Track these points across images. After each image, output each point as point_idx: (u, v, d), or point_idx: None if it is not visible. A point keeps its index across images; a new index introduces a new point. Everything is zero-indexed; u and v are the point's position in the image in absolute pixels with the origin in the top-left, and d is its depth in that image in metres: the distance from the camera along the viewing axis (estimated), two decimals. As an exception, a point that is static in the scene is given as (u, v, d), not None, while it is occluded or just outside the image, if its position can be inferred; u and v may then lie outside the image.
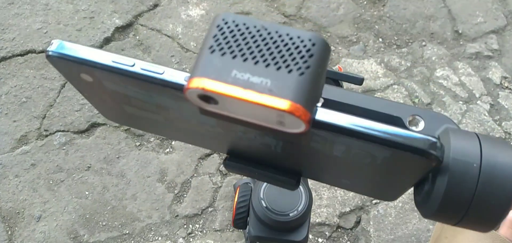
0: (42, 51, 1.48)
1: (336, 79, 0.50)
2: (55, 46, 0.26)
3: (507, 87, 1.48)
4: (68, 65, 0.27)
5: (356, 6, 1.65)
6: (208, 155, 1.34)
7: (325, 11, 1.63)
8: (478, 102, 1.44)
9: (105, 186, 1.28)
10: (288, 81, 0.21)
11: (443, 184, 0.25)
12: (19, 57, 1.46)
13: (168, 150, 1.35)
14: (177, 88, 0.25)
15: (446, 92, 1.46)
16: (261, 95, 0.21)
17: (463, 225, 0.27)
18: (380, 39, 1.57)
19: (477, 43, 1.57)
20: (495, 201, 0.25)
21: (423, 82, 1.48)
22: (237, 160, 0.34)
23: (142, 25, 1.56)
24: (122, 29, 1.55)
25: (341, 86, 0.50)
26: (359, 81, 0.48)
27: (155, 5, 1.61)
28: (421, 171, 0.26)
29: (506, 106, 1.44)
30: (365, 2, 1.66)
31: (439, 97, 1.45)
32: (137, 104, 0.30)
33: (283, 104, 0.20)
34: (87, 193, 1.27)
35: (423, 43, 1.57)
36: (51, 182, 1.28)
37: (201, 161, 1.33)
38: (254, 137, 0.29)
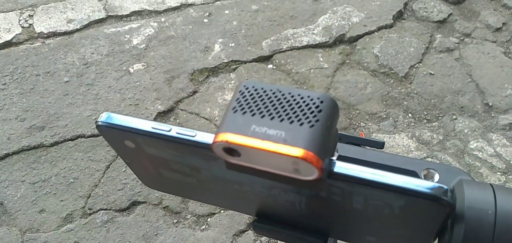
0: (91, 136, 1.60)
1: (358, 144, 0.53)
2: (104, 117, 0.31)
3: (546, 157, 1.45)
4: (114, 133, 0.31)
5: (383, 84, 1.71)
6: (243, 231, 1.36)
7: (352, 90, 1.69)
8: (517, 172, 1.41)
9: (143, 262, 1.31)
10: (300, 132, 0.25)
11: (460, 232, 0.27)
12: (70, 141, 1.59)
13: (204, 227, 1.38)
14: (207, 147, 0.28)
15: (482, 164, 1.44)
16: (277, 145, 0.24)
17: None
18: (410, 115, 1.61)
19: (509, 114, 1.57)
20: None
21: (457, 154, 1.48)
22: (265, 222, 0.36)
23: (182, 109, 1.68)
24: (164, 114, 1.67)
25: None
26: (380, 145, 0.51)
27: (194, 92, 1.74)
28: (437, 220, 0.27)
29: (547, 176, 1.40)
30: (391, 81, 1.72)
31: (475, 169, 1.43)
32: (173, 167, 0.34)
33: (296, 151, 0.24)
34: (125, 269, 1.30)
35: (454, 117, 1.58)
36: (92, 259, 1.33)
37: (236, 238, 1.35)
38: (278, 194, 0.32)
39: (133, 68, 1.82)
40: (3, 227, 1.39)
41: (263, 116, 0.26)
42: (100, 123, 0.31)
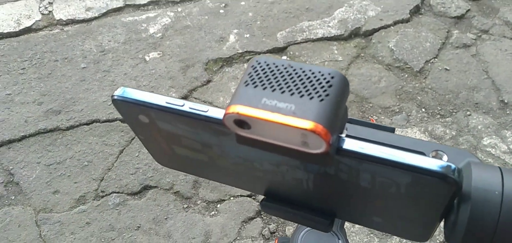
0: (106, 121, 1.63)
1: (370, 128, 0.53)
2: (120, 91, 0.32)
3: None
4: (129, 108, 0.32)
5: (397, 79, 1.70)
6: (252, 218, 1.37)
7: (366, 84, 1.69)
8: (532, 170, 1.39)
9: (153, 245, 1.33)
10: (310, 106, 0.25)
11: (466, 212, 0.27)
12: (85, 126, 1.62)
13: (213, 212, 1.39)
14: (218, 122, 0.29)
15: (495, 160, 1.42)
16: (286, 117, 0.25)
17: None
18: (423, 109, 1.59)
19: (525, 112, 1.54)
20: None
21: (470, 150, 1.46)
22: (273, 201, 0.37)
23: (196, 98, 1.70)
24: (176, 102, 1.69)
25: None
26: (390, 130, 0.50)
27: (208, 81, 1.75)
28: (443, 199, 0.27)
29: None
30: (406, 75, 1.71)
31: (488, 166, 1.41)
32: (185, 143, 0.34)
33: (305, 123, 0.24)
34: (135, 251, 1.32)
35: (468, 113, 1.56)
36: (103, 240, 1.35)
37: (244, 224, 1.36)
38: (287, 171, 0.32)
39: (149, 56, 1.84)
40: (18, 206, 1.43)
41: (274, 90, 0.26)
42: (115, 97, 0.32)
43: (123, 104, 0.32)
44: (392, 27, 1.89)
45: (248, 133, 0.27)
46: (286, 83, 0.26)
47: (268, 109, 0.25)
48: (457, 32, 1.86)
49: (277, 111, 0.25)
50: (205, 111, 0.30)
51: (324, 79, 0.26)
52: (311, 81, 0.26)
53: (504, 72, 1.68)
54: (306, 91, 0.26)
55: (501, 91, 1.62)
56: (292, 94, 0.26)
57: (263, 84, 0.27)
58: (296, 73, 0.27)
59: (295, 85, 0.26)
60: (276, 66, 0.27)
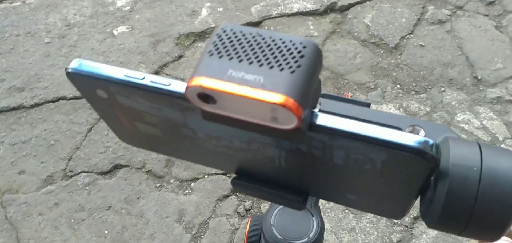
0: (72, 98, 1.56)
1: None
2: (75, 64, 0.29)
3: (532, 131, 1.45)
4: (85, 81, 0.29)
5: (373, 55, 1.69)
6: (226, 196, 1.35)
7: (342, 60, 1.67)
8: (502, 145, 1.41)
9: (125, 225, 1.29)
10: (280, 78, 0.23)
11: (443, 189, 0.25)
12: (51, 103, 1.55)
13: (187, 191, 1.36)
14: (182, 96, 0.26)
15: (468, 136, 1.44)
16: (254, 90, 0.22)
17: (468, 234, 0.26)
18: (398, 86, 1.59)
19: (497, 88, 1.56)
20: (499, 206, 0.24)
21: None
22: (244, 179, 0.35)
23: (167, 74, 1.64)
24: (148, 78, 1.63)
25: None
26: (366, 105, 0.49)
27: (180, 56, 1.70)
28: (420, 176, 0.26)
29: (532, 150, 1.40)
30: (381, 51, 1.70)
31: (461, 141, 1.43)
32: (148, 119, 0.32)
33: (275, 97, 0.22)
34: (106, 232, 1.28)
35: (442, 89, 1.57)
36: (72, 221, 1.30)
37: (219, 202, 1.34)
38: (258, 149, 0.30)
39: (117, 30, 1.77)
40: (-19, 188, 1.36)
41: (241, 60, 0.24)
42: (70, 70, 0.29)
43: (78, 78, 0.29)
44: (368, 2, 1.88)
45: (213, 108, 0.24)
46: (254, 53, 0.24)
47: (235, 82, 0.23)
48: (433, 8, 1.86)
49: (244, 84, 0.23)
50: (167, 85, 0.27)
51: (296, 49, 0.23)
52: (281, 51, 0.24)
53: (477, 48, 1.69)
54: (276, 61, 0.23)
55: (475, 67, 1.63)
56: (261, 65, 0.23)
57: (229, 54, 0.24)
58: (265, 42, 0.24)
59: (264, 55, 0.24)
60: (244, 35, 0.25)
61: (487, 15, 1.82)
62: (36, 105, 1.55)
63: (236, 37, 0.25)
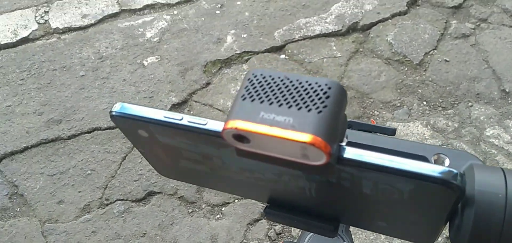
0: (107, 128, 1.63)
1: (369, 131, 0.53)
2: (118, 107, 0.32)
3: None
4: (128, 123, 0.32)
5: (397, 72, 1.69)
6: (257, 220, 1.37)
7: (366, 79, 1.68)
8: (535, 159, 1.39)
9: (159, 251, 1.33)
10: (308, 118, 0.25)
11: (470, 216, 0.27)
12: (87, 134, 1.62)
13: (218, 216, 1.39)
14: (217, 135, 0.29)
15: (498, 151, 1.42)
16: (285, 131, 0.25)
17: None
18: (424, 102, 1.59)
19: (527, 100, 1.54)
20: None
21: (473, 142, 1.46)
22: (276, 208, 0.36)
23: (195, 101, 1.70)
24: (178, 106, 1.69)
25: None
26: (391, 132, 0.49)
27: (208, 83, 1.75)
28: (446, 204, 0.27)
29: None
30: (406, 69, 1.70)
31: (491, 156, 1.41)
32: (186, 155, 0.34)
33: (304, 137, 0.24)
34: (142, 258, 1.32)
35: (470, 104, 1.56)
36: (110, 248, 1.35)
37: (250, 226, 1.36)
38: (289, 181, 0.32)
39: (147, 61, 1.84)
40: (24, 218, 1.43)
41: (271, 103, 0.26)
42: (114, 113, 0.32)
43: (122, 120, 0.32)
44: (389, 20, 1.89)
45: (247, 147, 0.27)
46: (283, 96, 0.26)
47: (267, 123, 0.25)
48: (456, 22, 1.85)
49: (275, 125, 0.25)
50: (204, 124, 0.29)
51: (321, 90, 0.26)
52: (308, 93, 0.26)
53: (504, 60, 1.67)
54: (304, 103, 0.26)
55: (502, 80, 1.62)
56: (290, 106, 0.26)
57: (260, 98, 0.26)
58: (293, 85, 0.26)
59: (292, 97, 0.26)
60: (273, 79, 0.27)
61: (512, 27, 1.80)
62: (73, 136, 1.62)
63: (266, 81, 0.27)
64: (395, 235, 0.35)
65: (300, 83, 0.26)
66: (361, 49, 1.80)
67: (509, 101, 1.55)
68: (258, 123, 0.25)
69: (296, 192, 0.33)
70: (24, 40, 1.95)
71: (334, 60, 1.76)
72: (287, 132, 0.24)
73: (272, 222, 1.36)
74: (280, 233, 1.34)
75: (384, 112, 1.57)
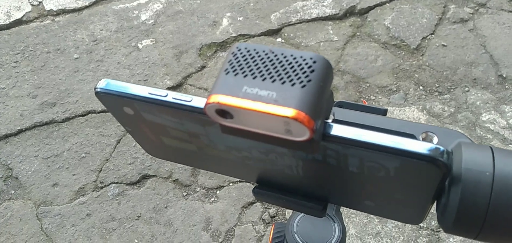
0: (101, 111, 1.62)
1: (360, 111, 0.52)
2: (103, 83, 0.31)
3: (561, 129, 1.42)
4: (113, 100, 0.31)
5: (394, 57, 1.68)
6: (251, 203, 1.37)
7: (363, 63, 1.67)
8: (530, 144, 1.38)
9: (154, 234, 1.34)
10: (292, 93, 0.24)
11: (457, 194, 0.26)
12: (81, 117, 1.61)
13: (213, 199, 1.39)
14: (202, 112, 0.28)
15: (494, 136, 1.42)
16: (268, 105, 0.24)
17: (484, 238, 0.27)
18: (421, 87, 1.58)
19: (524, 86, 1.54)
20: None
21: (468, 127, 1.46)
22: (265, 188, 0.36)
23: (190, 84, 1.68)
24: (173, 89, 1.67)
25: None
26: (382, 112, 0.50)
27: (203, 67, 1.74)
28: (433, 182, 0.27)
29: (562, 148, 1.37)
30: (403, 53, 1.69)
31: (487, 141, 1.41)
32: (172, 133, 0.34)
33: (287, 111, 0.24)
34: (136, 241, 1.33)
35: (466, 89, 1.55)
36: (104, 231, 1.36)
37: (244, 210, 1.36)
38: (276, 159, 0.32)
39: (142, 44, 1.82)
40: (18, 201, 1.43)
41: (255, 77, 0.25)
42: (98, 90, 0.31)
43: (106, 97, 0.31)
44: (387, 4, 1.87)
45: (231, 122, 0.26)
46: (267, 70, 0.25)
47: (249, 98, 0.24)
48: (454, 7, 1.83)
49: (258, 100, 0.24)
50: (188, 101, 0.29)
51: (306, 64, 0.25)
52: (292, 67, 0.25)
53: (502, 46, 1.66)
54: (288, 77, 0.25)
55: (499, 65, 1.61)
56: (274, 81, 0.25)
57: (244, 72, 0.26)
58: (277, 59, 0.26)
59: (276, 71, 0.25)
60: (257, 52, 0.26)
61: (511, 11, 1.78)
62: (67, 119, 1.61)
63: (250, 55, 0.26)
64: (384, 214, 0.35)
65: (284, 57, 0.26)
66: (358, 33, 1.79)
67: (506, 87, 1.55)
68: (241, 98, 0.25)
69: (284, 171, 0.33)
70: (18, 22, 1.93)
71: (331, 44, 1.74)
72: (270, 106, 0.24)
73: (266, 205, 1.37)
74: (274, 216, 1.34)
75: (380, 97, 1.57)
